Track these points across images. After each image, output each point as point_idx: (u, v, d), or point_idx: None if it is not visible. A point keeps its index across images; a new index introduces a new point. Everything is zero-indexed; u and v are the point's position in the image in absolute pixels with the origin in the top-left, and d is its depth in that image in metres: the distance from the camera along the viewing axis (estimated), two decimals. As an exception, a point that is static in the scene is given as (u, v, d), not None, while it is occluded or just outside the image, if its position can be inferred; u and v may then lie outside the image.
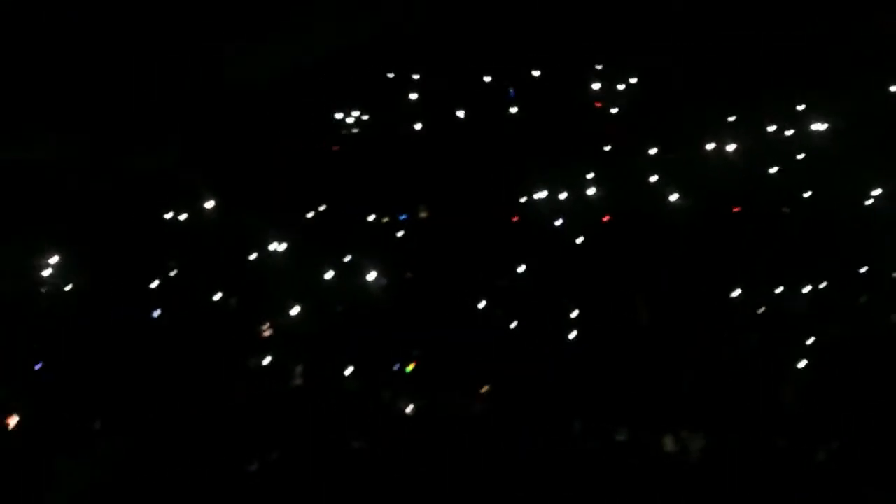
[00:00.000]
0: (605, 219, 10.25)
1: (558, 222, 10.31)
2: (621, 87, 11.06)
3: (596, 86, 10.98)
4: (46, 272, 9.16)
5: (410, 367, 9.84)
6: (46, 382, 8.66)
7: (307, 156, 10.39)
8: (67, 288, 9.18)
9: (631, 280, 9.82)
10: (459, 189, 10.61)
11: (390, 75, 10.85)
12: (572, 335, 9.44)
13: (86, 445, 8.21)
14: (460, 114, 10.83)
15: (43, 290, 9.08)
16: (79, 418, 8.44)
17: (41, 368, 8.74)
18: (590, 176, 10.32)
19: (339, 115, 10.61)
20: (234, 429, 8.71)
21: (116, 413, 8.56)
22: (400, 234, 10.34)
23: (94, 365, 8.85)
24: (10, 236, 9.10)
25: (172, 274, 9.60)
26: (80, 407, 8.54)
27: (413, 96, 10.91)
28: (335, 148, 10.30)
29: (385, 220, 10.38)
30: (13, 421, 8.36)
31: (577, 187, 10.36)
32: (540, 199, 10.39)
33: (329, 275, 9.76)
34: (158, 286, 9.47)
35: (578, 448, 8.62)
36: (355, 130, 10.55)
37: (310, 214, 10.20)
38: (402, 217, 10.48)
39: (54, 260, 9.22)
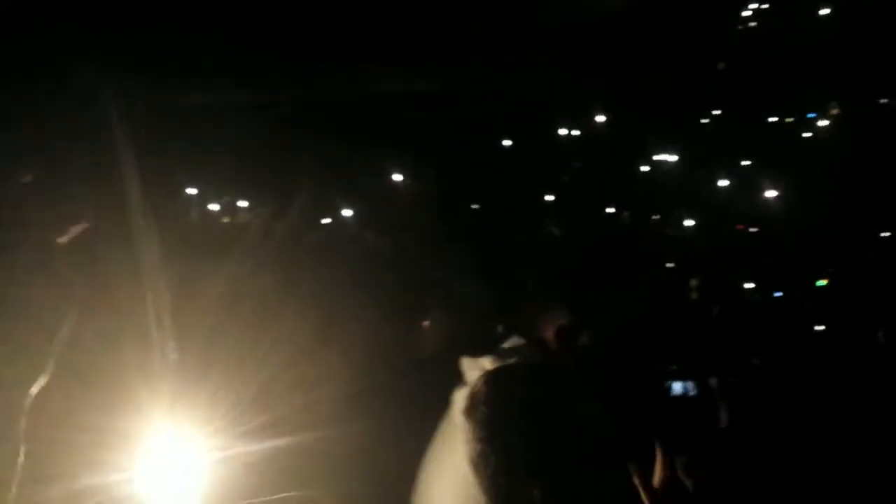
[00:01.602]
0: None
1: None
2: None
3: None
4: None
5: (822, 283, 8.99)
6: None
7: (698, 62, 9.74)
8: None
9: None
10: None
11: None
12: None
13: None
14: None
15: None
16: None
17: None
18: None
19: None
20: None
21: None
22: (807, 135, 9.32)
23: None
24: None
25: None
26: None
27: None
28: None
29: (789, 120, 9.42)
30: None
31: None
32: None
33: (724, 182, 9.16)
34: (553, 201, 9.67)
35: None
36: (753, 24, 9.64)
37: (704, 120, 9.62)
38: (811, 115, 9.43)
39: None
